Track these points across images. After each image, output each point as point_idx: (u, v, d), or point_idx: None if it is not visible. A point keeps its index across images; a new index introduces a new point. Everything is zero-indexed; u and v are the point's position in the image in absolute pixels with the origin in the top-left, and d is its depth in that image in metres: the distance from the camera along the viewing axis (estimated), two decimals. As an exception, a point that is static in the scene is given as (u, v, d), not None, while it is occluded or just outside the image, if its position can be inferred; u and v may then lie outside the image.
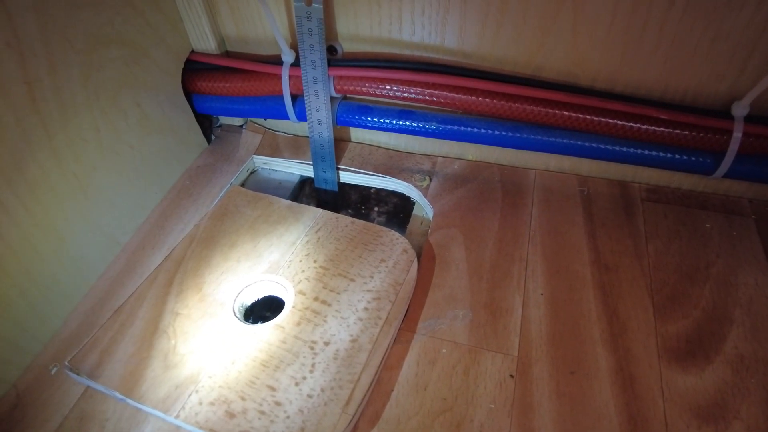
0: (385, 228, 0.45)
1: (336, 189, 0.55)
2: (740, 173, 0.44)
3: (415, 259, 0.43)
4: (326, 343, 0.37)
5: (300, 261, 0.43)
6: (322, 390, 0.35)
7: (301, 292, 0.40)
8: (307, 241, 0.44)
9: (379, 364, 0.36)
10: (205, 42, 0.51)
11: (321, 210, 0.47)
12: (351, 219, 0.46)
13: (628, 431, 0.34)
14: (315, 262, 0.43)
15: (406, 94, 0.47)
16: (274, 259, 0.43)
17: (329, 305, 0.40)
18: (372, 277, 0.41)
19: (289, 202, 0.49)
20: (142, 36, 0.45)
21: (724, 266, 0.43)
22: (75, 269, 0.42)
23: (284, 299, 0.41)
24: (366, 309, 0.39)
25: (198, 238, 0.45)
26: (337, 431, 0.33)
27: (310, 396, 0.35)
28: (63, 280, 0.41)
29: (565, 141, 0.46)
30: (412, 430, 0.34)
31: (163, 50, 0.48)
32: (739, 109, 0.41)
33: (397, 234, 0.45)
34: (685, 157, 0.44)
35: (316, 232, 0.45)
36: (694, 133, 0.43)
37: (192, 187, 0.52)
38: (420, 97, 0.47)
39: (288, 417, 0.34)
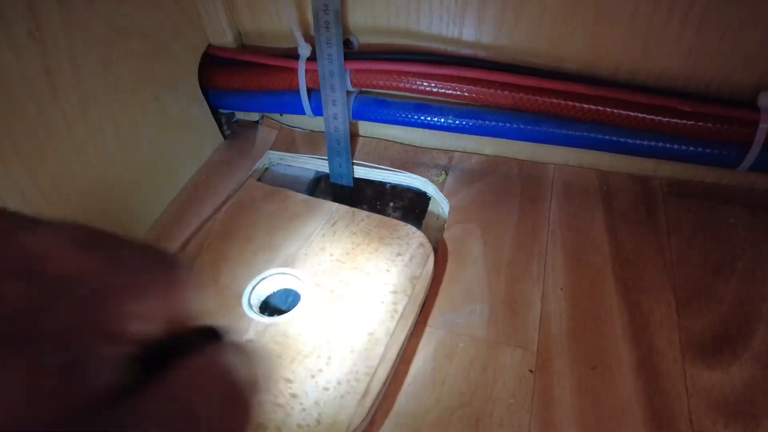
0: (401, 222, 0.45)
1: (351, 184, 0.54)
2: (767, 166, 0.43)
3: (432, 253, 0.42)
4: (342, 336, 0.37)
5: (316, 254, 0.43)
6: (339, 382, 0.34)
7: (317, 285, 0.40)
8: (323, 235, 0.44)
9: (396, 358, 0.36)
10: (222, 36, 0.51)
11: (337, 204, 0.47)
12: (367, 213, 0.46)
13: (653, 428, 0.33)
14: (331, 255, 0.42)
15: (422, 87, 0.47)
16: (291, 253, 0.43)
17: (345, 298, 0.39)
18: (388, 271, 0.41)
19: (305, 196, 0.49)
20: (161, 29, 0.46)
21: (750, 261, 0.42)
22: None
23: (300, 292, 0.41)
24: (382, 302, 0.39)
25: (214, 232, 0.45)
26: (353, 424, 0.32)
27: (326, 388, 0.34)
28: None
29: (584, 134, 0.45)
30: (430, 424, 0.34)
31: (181, 44, 0.49)
32: (767, 100, 0.40)
33: (413, 228, 0.44)
34: (708, 150, 0.43)
35: (332, 225, 0.45)
36: (718, 125, 0.42)
37: (208, 181, 0.53)
38: (437, 90, 0.47)
39: (304, 409, 0.33)
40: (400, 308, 0.38)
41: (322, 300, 0.39)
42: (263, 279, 0.41)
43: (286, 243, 0.44)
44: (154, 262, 0.14)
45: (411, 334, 0.38)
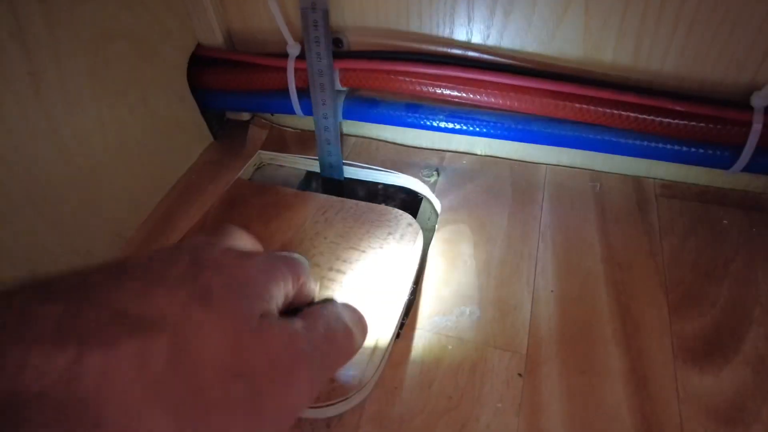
0: (389, 207, 0.47)
1: (342, 177, 0.54)
2: (760, 167, 0.42)
3: (420, 231, 0.44)
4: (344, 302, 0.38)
5: (311, 239, 0.44)
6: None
7: (315, 265, 0.42)
8: (316, 222, 0.46)
9: (401, 314, 0.38)
10: (212, 36, 0.51)
11: (326, 195, 0.49)
12: (355, 201, 0.48)
13: (642, 433, 0.32)
14: (325, 239, 0.44)
15: (413, 87, 0.46)
16: (286, 239, 0.44)
17: (344, 273, 0.41)
18: (382, 248, 0.43)
19: (295, 190, 0.50)
20: (148, 29, 0.45)
21: (743, 263, 0.41)
22: (80, 263, 0.42)
23: None
24: (380, 274, 0.41)
25: (208, 225, 0.47)
26: (364, 380, 0.34)
27: None
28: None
29: (577, 135, 0.45)
30: (416, 429, 0.33)
31: (170, 44, 0.48)
32: (760, 100, 0.40)
33: (400, 211, 0.46)
34: (701, 151, 0.42)
35: (324, 213, 0.46)
36: (711, 126, 0.41)
37: (198, 182, 0.52)
38: (428, 90, 0.46)
39: None
40: (396, 278, 0.40)
41: (322, 276, 0.41)
42: None
43: (281, 231, 0.45)
44: (284, 261, 0.28)
45: (399, 335, 0.38)
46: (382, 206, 0.47)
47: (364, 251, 0.43)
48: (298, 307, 0.29)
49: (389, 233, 0.44)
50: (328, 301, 0.31)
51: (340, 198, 0.48)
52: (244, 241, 0.30)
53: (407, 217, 0.45)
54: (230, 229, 0.29)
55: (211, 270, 0.23)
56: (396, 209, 0.46)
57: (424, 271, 0.43)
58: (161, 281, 0.21)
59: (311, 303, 0.31)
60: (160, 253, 0.24)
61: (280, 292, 0.25)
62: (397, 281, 0.40)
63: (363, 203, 0.47)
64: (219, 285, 0.22)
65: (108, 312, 0.18)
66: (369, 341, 0.35)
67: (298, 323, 0.25)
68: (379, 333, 0.36)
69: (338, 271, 0.41)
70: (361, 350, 0.34)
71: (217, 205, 0.49)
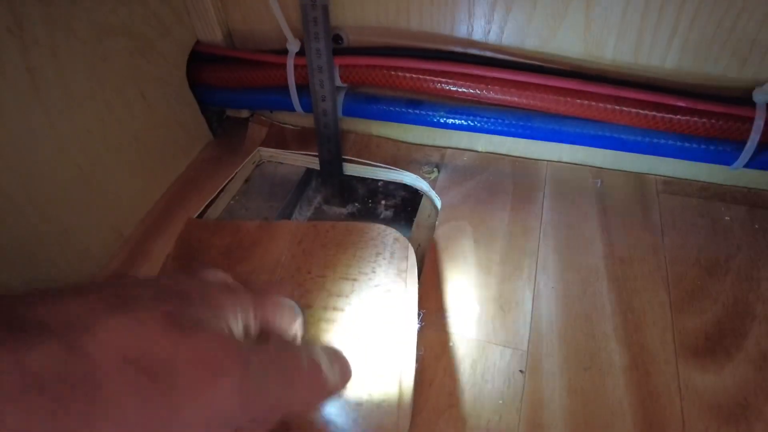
0: (368, 223, 0.43)
1: (342, 174, 0.53)
2: (762, 163, 0.42)
3: (409, 245, 0.41)
4: (353, 348, 0.35)
5: (292, 276, 0.40)
6: (370, 394, 0.33)
7: (306, 306, 0.38)
8: (293, 256, 0.41)
9: (416, 350, 0.35)
10: (211, 33, 0.51)
11: (294, 222, 0.45)
12: (331, 223, 0.44)
13: (643, 430, 0.32)
14: (309, 273, 0.40)
15: (413, 83, 0.46)
16: (263, 282, 0.40)
17: (342, 310, 0.37)
18: (374, 272, 0.40)
19: (258, 221, 0.45)
20: (147, 26, 0.45)
21: (745, 260, 0.41)
22: (78, 260, 0.42)
23: None
24: (381, 304, 0.38)
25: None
26: (401, 426, 0.31)
27: (359, 404, 0.32)
28: (66, 271, 0.41)
29: (578, 131, 0.45)
30: (417, 427, 0.33)
31: (169, 41, 0.48)
32: (762, 96, 0.39)
33: (382, 226, 0.43)
34: (703, 147, 0.42)
35: (299, 244, 0.42)
36: (713, 121, 0.41)
37: (197, 179, 0.52)
38: (428, 86, 0.46)
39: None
40: (399, 304, 0.37)
41: (318, 319, 0.37)
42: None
43: (255, 273, 0.41)
44: (247, 292, 0.26)
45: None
46: (361, 224, 0.43)
47: (356, 279, 0.39)
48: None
49: (377, 253, 0.41)
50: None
51: (310, 222, 0.44)
52: (221, 277, 0.27)
53: (391, 231, 0.42)
54: (205, 268, 0.28)
55: (149, 285, 0.22)
56: (376, 224, 0.43)
57: (423, 268, 0.42)
58: (82, 294, 0.20)
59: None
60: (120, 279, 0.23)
61: (236, 317, 0.23)
62: (402, 310, 0.37)
63: (340, 223, 0.43)
64: (148, 294, 0.21)
65: (4, 318, 0.18)
66: (391, 385, 0.33)
67: (245, 340, 0.23)
68: (400, 375, 0.33)
69: (334, 308, 0.37)
70: (387, 398, 0.31)
71: (172, 254, 0.43)
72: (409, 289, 0.38)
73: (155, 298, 0.21)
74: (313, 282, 0.39)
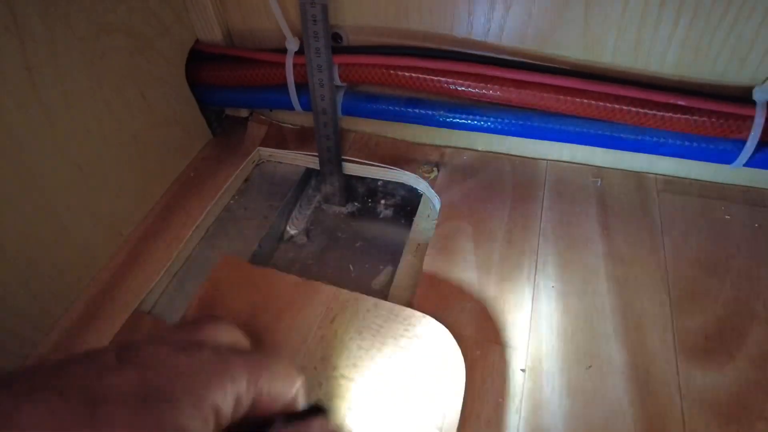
0: (416, 312, 0.36)
1: (342, 174, 0.53)
2: (763, 162, 0.42)
3: (462, 359, 0.34)
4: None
5: (315, 368, 0.33)
6: None
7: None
8: (322, 337, 0.34)
9: None
10: (210, 32, 0.51)
11: (334, 288, 0.38)
12: (374, 301, 0.37)
13: (644, 430, 0.32)
14: (335, 369, 0.33)
15: (413, 82, 0.46)
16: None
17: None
18: (411, 387, 0.32)
19: (296, 278, 0.39)
20: (147, 25, 0.45)
21: (745, 259, 0.41)
22: (77, 260, 0.42)
23: None
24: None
25: (192, 313, 0.37)
26: None
27: None
28: (65, 270, 0.41)
29: (578, 129, 0.45)
30: (417, 426, 0.33)
31: (168, 40, 0.48)
32: (762, 94, 0.39)
33: (430, 319, 0.36)
34: (703, 146, 0.42)
35: (331, 322, 0.36)
36: (713, 120, 0.41)
37: (196, 178, 0.52)
38: (427, 84, 0.46)
39: None
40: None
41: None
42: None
43: (276, 345, 0.34)
44: (243, 357, 0.22)
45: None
46: (408, 310, 0.36)
47: (386, 393, 0.32)
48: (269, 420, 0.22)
49: (421, 358, 0.34)
50: (320, 413, 0.24)
51: (352, 294, 0.37)
52: (228, 335, 0.25)
53: (441, 331, 0.35)
54: (214, 321, 0.25)
55: (128, 370, 0.19)
56: (426, 316, 0.35)
57: (422, 268, 0.42)
58: (43, 392, 0.18)
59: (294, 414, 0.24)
60: (95, 352, 0.20)
61: (224, 391, 0.21)
62: None
63: (383, 303, 0.37)
64: (124, 388, 0.18)
65: None
66: None
67: (233, 412, 0.21)
68: None
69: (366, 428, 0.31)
70: None
71: (199, 296, 0.38)
72: (451, 414, 0.31)
73: (132, 403, 0.18)
74: (335, 383, 0.33)
